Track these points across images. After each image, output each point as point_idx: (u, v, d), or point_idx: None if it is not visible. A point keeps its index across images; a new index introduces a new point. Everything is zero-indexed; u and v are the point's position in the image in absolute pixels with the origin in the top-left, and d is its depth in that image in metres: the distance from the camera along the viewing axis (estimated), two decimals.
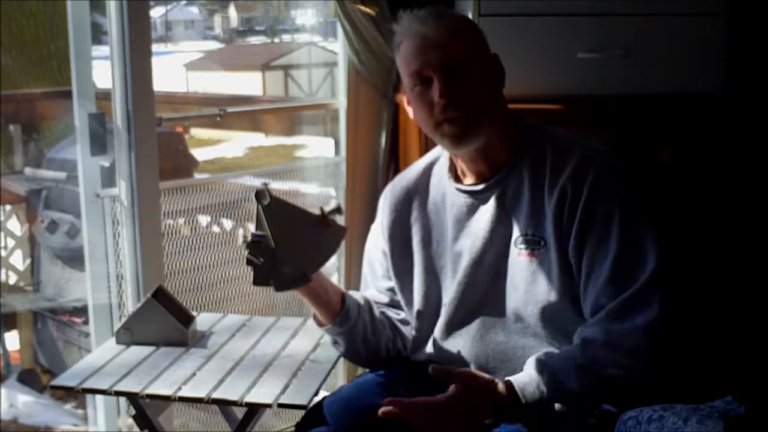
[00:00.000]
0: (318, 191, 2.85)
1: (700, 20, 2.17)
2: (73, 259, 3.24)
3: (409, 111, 1.69)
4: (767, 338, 2.04)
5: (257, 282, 1.56)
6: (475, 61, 1.60)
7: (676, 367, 1.65)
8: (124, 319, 2.01)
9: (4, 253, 3.73)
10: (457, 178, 1.70)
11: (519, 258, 1.60)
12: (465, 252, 1.65)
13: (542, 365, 1.50)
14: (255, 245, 1.54)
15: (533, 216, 1.59)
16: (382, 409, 1.48)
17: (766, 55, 2.27)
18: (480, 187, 1.65)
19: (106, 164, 2.38)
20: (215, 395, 1.69)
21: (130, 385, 1.73)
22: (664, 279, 1.52)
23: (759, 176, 2.17)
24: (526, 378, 1.50)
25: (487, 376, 1.53)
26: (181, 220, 2.60)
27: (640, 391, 1.54)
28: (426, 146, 2.15)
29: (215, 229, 2.79)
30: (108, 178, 2.37)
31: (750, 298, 2.11)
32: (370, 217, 1.88)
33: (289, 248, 1.56)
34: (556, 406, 1.49)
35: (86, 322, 2.80)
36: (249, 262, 1.55)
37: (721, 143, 2.15)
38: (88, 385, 1.75)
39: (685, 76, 2.18)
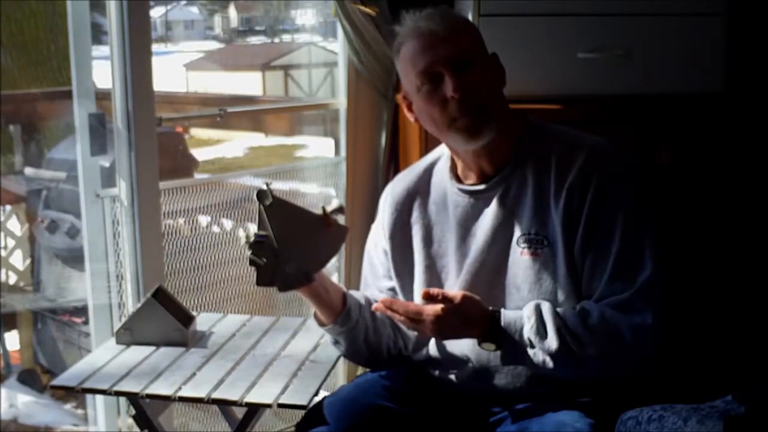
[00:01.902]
0: (318, 191, 2.85)
1: (700, 20, 2.17)
2: (73, 259, 3.24)
3: (410, 116, 1.69)
4: (767, 338, 2.04)
5: (260, 282, 1.56)
6: (481, 58, 1.62)
7: (676, 367, 1.65)
8: (124, 319, 2.01)
9: (4, 253, 3.73)
10: (459, 179, 1.70)
11: (521, 257, 1.60)
12: (468, 252, 1.66)
13: (537, 312, 1.53)
14: (258, 245, 1.54)
15: (537, 215, 1.60)
16: (375, 306, 1.57)
17: (766, 55, 2.27)
18: (482, 187, 1.66)
19: (106, 164, 2.38)
20: (215, 395, 1.69)
21: (130, 385, 1.73)
22: (660, 283, 1.53)
23: (759, 176, 2.18)
24: (515, 315, 1.54)
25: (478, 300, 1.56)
26: (181, 220, 2.60)
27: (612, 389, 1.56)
28: (426, 146, 2.15)
29: (215, 229, 2.79)
30: (108, 178, 2.38)
31: (749, 298, 2.11)
32: (371, 217, 1.88)
33: (291, 248, 1.55)
34: (529, 350, 1.52)
35: (86, 322, 2.80)
36: (252, 262, 1.55)
37: (721, 143, 2.15)
38: (88, 385, 1.75)
39: (685, 76, 2.18)
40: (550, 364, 1.51)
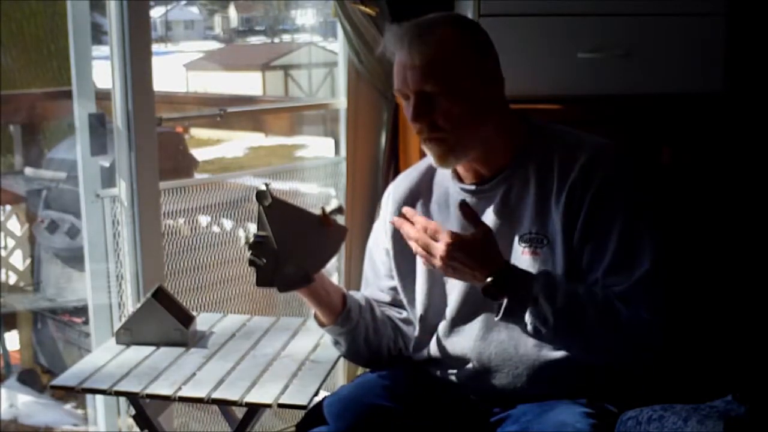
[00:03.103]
0: (318, 191, 2.85)
1: (700, 20, 2.17)
2: (73, 259, 3.24)
3: None
4: (767, 338, 2.04)
5: (260, 283, 1.56)
6: (459, 82, 1.56)
7: (676, 367, 1.65)
8: (124, 319, 2.01)
9: (4, 253, 3.73)
10: (461, 178, 1.70)
11: (522, 256, 1.60)
12: None
13: (549, 273, 1.53)
14: (257, 246, 1.54)
15: (538, 214, 1.60)
16: (393, 219, 1.56)
17: (766, 55, 2.27)
18: (484, 186, 1.66)
19: (106, 164, 2.38)
20: (215, 395, 1.69)
21: (130, 385, 1.74)
22: (657, 281, 1.53)
23: (759, 176, 2.18)
24: (527, 271, 1.53)
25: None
26: (181, 220, 2.60)
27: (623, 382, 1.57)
28: None
29: (215, 229, 2.79)
30: (108, 178, 2.38)
31: (750, 298, 2.11)
32: (371, 217, 1.89)
33: (291, 249, 1.55)
34: (532, 308, 1.50)
35: (86, 322, 2.80)
36: (252, 263, 1.54)
37: (721, 143, 2.15)
38: (88, 385, 1.75)
39: (685, 76, 2.18)
40: (551, 321, 1.49)
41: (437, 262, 1.50)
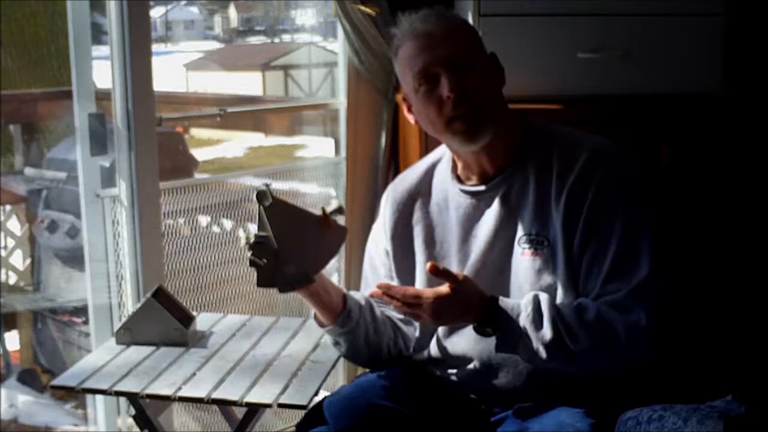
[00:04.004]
0: (318, 191, 2.85)
1: (700, 20, 2.17)
2: (73, 259, 3.24)
3: (410, 118, 1.69)
4: (767, 338, 2.04)
5: (261, 283, 1.56)
6: (479, 59, 1.62)
7: (676, 367, 1.65)
8: (124, 319, 2.01)
9: (4, 253, 3.73)
10: (460, 179, 1.70)
11: (522, 257, 1.60)
12: (470, 253, 1.66)
13: (535, 303, 1.53)
14: (258, 246, 1.54)
15: (538, 216, 1.60)
16: (371, 291, 1.58)
17: (766, 55, 2.27)
18: (483, 187, 1.66)
19: (106, 164, 2.38)
20: (215, 395, 1.69)
21: (130, 385, 1.74)
22: (657, 284, 1.53)
23: (759, 176, 2.18)
24: (513, 303, 1.54)
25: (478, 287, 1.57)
26: (181, 220, 2.60)
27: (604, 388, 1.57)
28: (426, 146, 2.15)
29: (215, 229, 2.79)
30: (108, 178, 2.37)
31: (749, 297, 2.11)
32: (370, 218, 1.89)
33: (291, 249, 1.55)
34: (523, 339, 1.51)
35: (86, 322, 2.80)
36: (252, 263, 1.55)
37: (721, 143, 2.15)
38: (88, 385, 1.75)
39: (685, 76, 2.18)
40: (543, 354, 1.51)
41: (427, 321, 1.57)
